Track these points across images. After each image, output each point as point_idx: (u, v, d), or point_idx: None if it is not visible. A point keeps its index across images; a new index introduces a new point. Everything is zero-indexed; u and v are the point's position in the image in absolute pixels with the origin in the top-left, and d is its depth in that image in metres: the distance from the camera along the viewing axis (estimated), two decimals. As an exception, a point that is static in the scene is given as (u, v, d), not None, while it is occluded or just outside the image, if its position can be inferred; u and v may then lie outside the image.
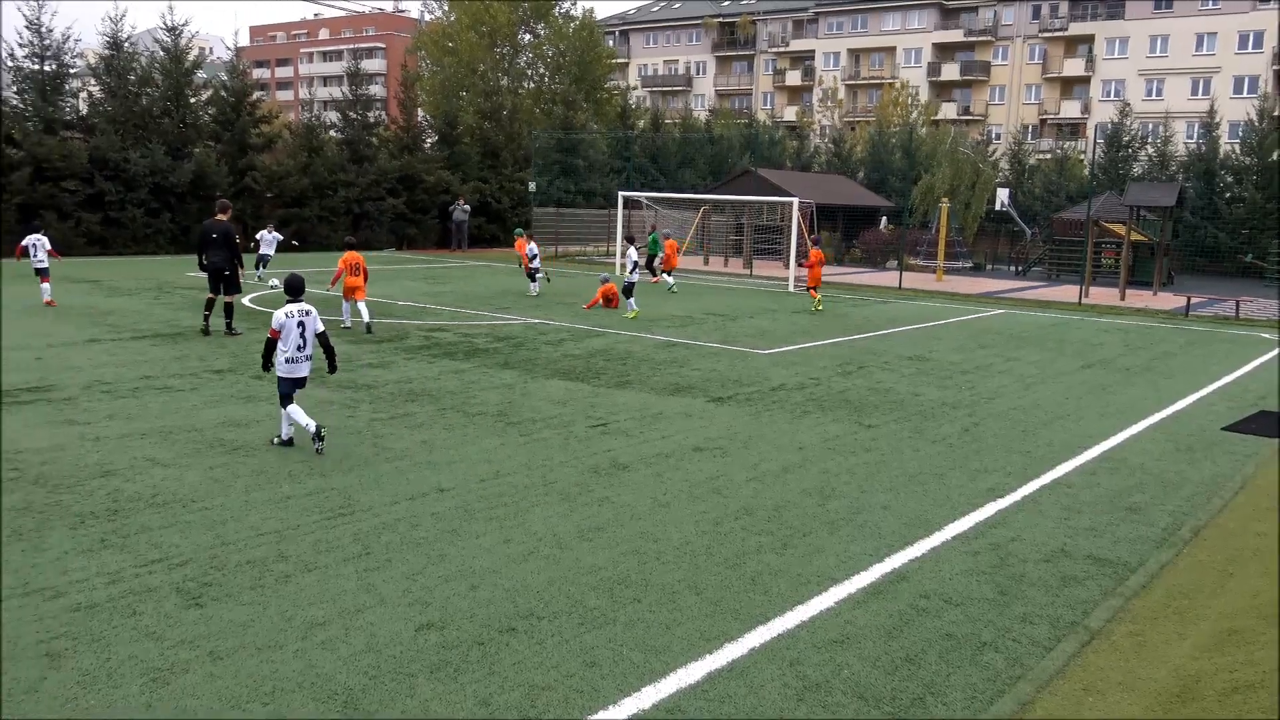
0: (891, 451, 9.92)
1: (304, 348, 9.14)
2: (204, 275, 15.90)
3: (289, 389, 9.15)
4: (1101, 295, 28.76)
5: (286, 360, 9.07)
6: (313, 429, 8.97)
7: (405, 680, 4.94)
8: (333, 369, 9.74)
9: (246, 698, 4.72)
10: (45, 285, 18.73)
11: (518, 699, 4.79)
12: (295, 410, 9.10)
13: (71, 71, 32.62)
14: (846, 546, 7.09)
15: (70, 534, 6.77)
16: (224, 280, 15.71)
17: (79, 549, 6.50)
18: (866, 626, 5.76)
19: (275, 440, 9.27)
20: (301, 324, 9.10)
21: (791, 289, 28.16)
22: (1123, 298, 28.26)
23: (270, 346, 9.04)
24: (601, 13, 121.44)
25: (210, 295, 15.83)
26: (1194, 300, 26.56)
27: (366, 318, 16.72)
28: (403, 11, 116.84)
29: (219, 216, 15.79)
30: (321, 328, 9.30)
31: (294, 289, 9.29)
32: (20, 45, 31.09)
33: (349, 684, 4.88)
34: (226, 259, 15.60)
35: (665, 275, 26.81)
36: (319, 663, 5.08)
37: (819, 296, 23.06)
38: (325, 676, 4.94)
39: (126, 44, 33.34)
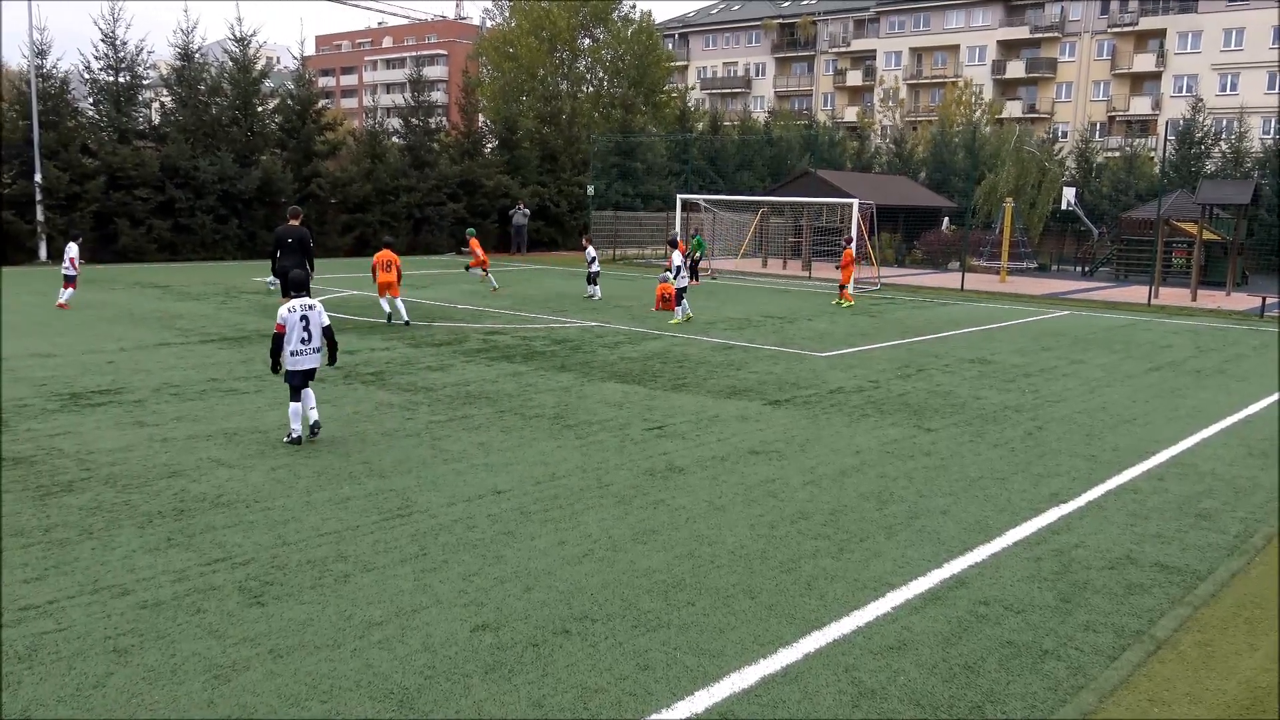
0: (951, 455, 9.77)
1: (309, 341, 9.46)
2: (276, 280, 16.34)
3: (297, 382, 9.49)
4: (1172, 296, 28.04)
5: (291, 354, 9.42)
6: (313, 420, 9.54)
7: (460, 681, 4.98)
8: (332, 361, 10.01)
9: (305, 696, 4.79)
10: (68, 290, 19.00)
11: (571, 701, 4.81)
12: (295, 408, 9.50)
13: (144, 82, 33.55)
14: (904, 551, 6.99)
15: (138, 533, 6.95)
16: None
17: (146, 547, 6.67)
18: (924, 633, 5.68)
19: (286, 439, 9.54)
20: (305, 318, 9.44)
21: (851, 290, 27.86)
22: (1194, 298, 27.52)
23: (277, 342, 9.41)
24: (660, 16, 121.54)
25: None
26: (1269, 300, 25.76)
27: (403, 314, 17.74)
28: (464, 18, 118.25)
29: (291, 222, 16.19)
30: (327, 322, 9.66)
31: (298, 285, 9.76)
32: (96, 58, 32.06)
33: (405, 684, 4.93)
34: (299, 263, 15.99)
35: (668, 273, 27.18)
36: (376, 662, 5.15)
37: (850, 297, 24.43)
38: (382, 676, 5.01)
39: (197, 55, 34.20)
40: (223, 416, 10.54)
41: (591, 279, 23.71)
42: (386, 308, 17.93)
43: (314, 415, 9.60)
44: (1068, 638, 5.69)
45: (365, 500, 7.81)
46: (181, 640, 5.33)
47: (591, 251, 23.93)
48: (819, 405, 12.00)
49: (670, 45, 76.37)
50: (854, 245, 25.77)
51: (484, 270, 25.01)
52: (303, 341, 9.43)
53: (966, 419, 11.47)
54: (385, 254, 17.91)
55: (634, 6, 55.79)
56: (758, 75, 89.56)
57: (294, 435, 9.50)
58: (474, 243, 25.18)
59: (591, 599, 6.02)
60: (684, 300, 19.97)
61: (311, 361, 9.51)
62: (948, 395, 12.87)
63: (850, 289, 24.63)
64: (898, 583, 6.41)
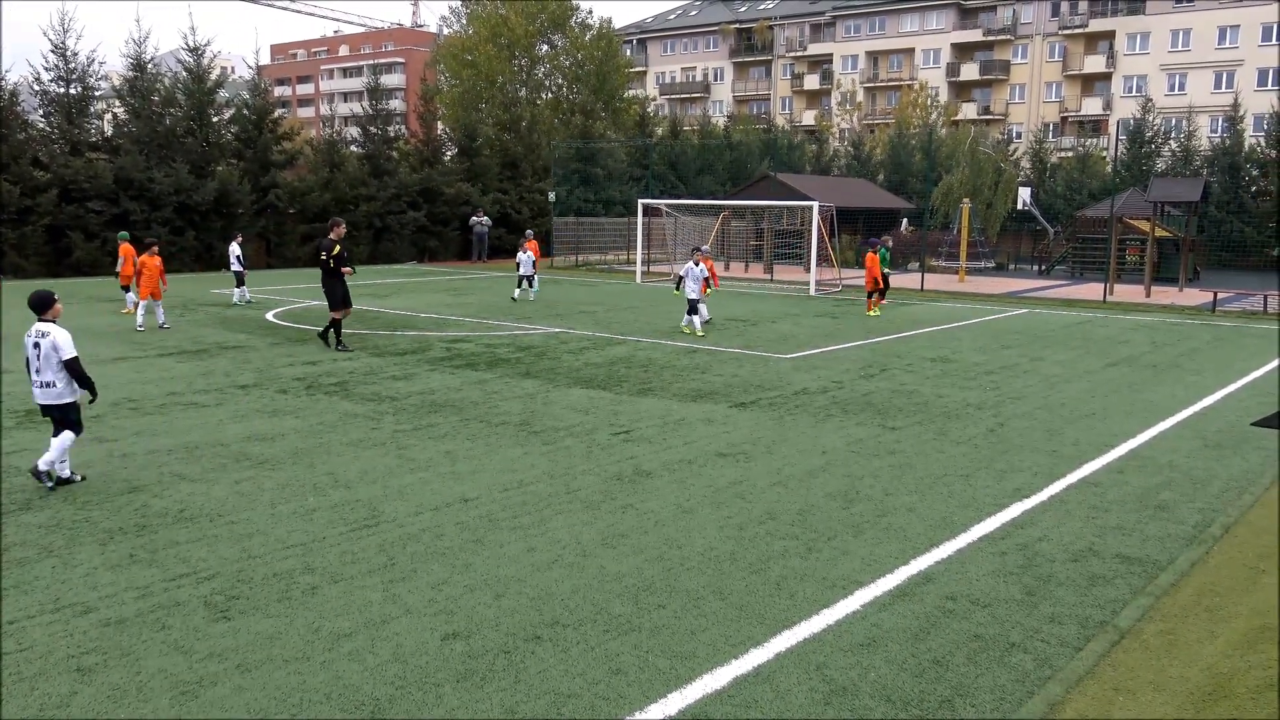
0: (916, 454, 9.87)
1: (40, 372, 8.16)
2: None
3: (45, 414, 8.31)
4: (1126, 293, 28.50)
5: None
6: (40, 467, 8.10)
7: (431, 690, 4.95)
8: (91, 396, 8.42)
9: (274, 710, 4.74)
10: None
11: (544, 707, 4.79)
12: (54, 442, 8.20)
13: (96, 94, 33.07)
14: (872, 549, 7.05)
15: (99, 550, 6.84)
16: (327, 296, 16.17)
17: (108, 564, 6.57)
18: (893, 629, 5.73)
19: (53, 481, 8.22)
20: (38, 344, 8.15)
21: (813, 293, 28.09)
22: (1148, 295, 27.98)
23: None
24: (619, 21, 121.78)
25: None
26: (1220, 295, 26.26)
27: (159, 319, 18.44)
28: (421, 26, 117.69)
29: (331, 235, 16.00)
30: (70, 354, 8.16)
31: (33, 305, 8.33)
32: (46, 69, 31.55)
33: (375, 694, 4.90)
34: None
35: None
36: (346, 674, 5.11)
37: (873, 305, 22.99)
38: (352, 687, 4.96)
39: (150, 65, 33.80)
40: (183, 430, 10.40)
41: (530, 280, 24.31)
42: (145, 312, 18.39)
43: (43, 461, 8.10)
44: (1034, 630, 5.76)
45: (331, 511, 7.74)
46: (146, 657, 5.26)
47: (529, 254, 24.39)
48: (784, 407, 12.07)
49: (629, 51, 76.50)
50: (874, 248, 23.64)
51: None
52: (35, 371, 8.18)
53: (930, 417, 11.58)
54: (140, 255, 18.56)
55: (590, 12, 55.69)
56: (716, 80, 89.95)
57: (61, 475, 8.28)
58: (124, 248, 21.57)
59: (562, 605, 6.01)
60: (701, 310, 18.65)
61: (41, 396, 8.18)
62: (911, 394, 12.99)
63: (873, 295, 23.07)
64: (866, 580, 6.46)
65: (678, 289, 18.44)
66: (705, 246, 20.53)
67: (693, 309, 18.51)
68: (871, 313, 22.68)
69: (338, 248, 15.87)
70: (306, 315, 20.71)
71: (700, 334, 18.34)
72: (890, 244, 26.96)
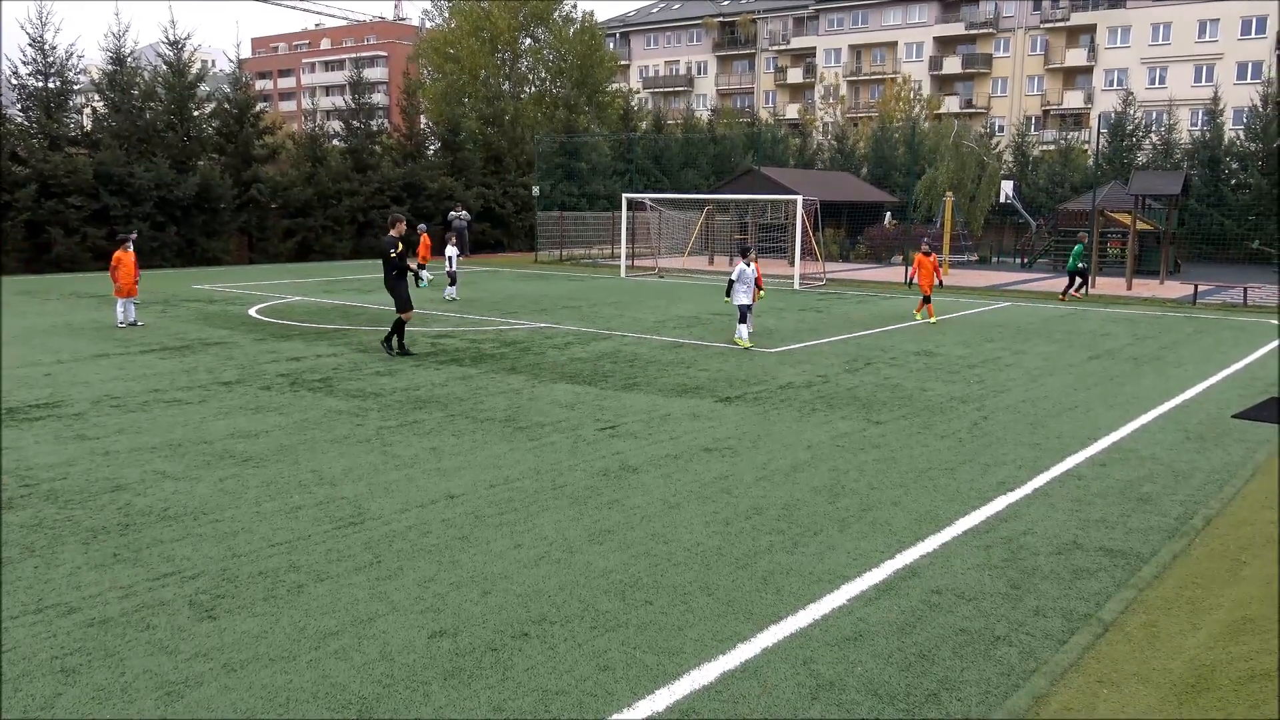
0: (901, 447, 9.90)
1: None
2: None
3: None
4: (1108, 285, 28.67)
5: None
6: None
7: (419, 688, 4.94)
8: None
9: (261, 709, 4.72)
10: None
11: (531, 704, 4.79)
12: None
13: (75, 88, 32.78)
14: (857, 544, 7.07)
15: (82, 549, 6.79)
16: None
17: (91, 564, 6.52)
18: (879, 623, 5.75)
19: None
20: None
21: (797, 287, 28.14)
22: (1129, 287, 28.16)
23: None
24: (601, 15, 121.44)
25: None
26: (1201, 288, 26.47)
27: (130, 316, 18.17)
28: (404, 19, 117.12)
29: (391, 232, 15.10)
30: None
31: None
32: (24, 63, 31.25)
33: (363, 693, 4.89)
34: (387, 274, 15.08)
35: (421, 270, 26.39)
36: (333, 672, 5.09)
37: (929, 309, 20.87)
38: (339, 686, 4.95)
39: (129, 59, 33.51)
40: (166, 428, 10.33)
41: (453, 278, 23.81)
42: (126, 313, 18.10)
43: None
44: (1018, 623, 5.79)
45: (316, 509, 7.71)
46: (131, 657, 5.23)
47: (454, 249, 24.35)
48: (769, 401, 12.09)
49: (612, 45, 76.31)
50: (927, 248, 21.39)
51: None
52: None
53: (914, 411, 11.62)
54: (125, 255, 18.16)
55: (574, 6, 55.55)
56: (700, 74, 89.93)
57: None
58: None
59: (549, 601, 6.01)
60: (748, 319, 16.44)
61: None
62: (895, 388, 13.04)
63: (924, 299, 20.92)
64: (852, 575, 6.48)
65: (728, 295, 16.37)
66: (749, 245, 17.50)
67: (743, 316, 16.26)
68: (929, 319, 20.53)
69: (400, 245, 14.91)
70: (289, 311, 20.60)
71: (747, 344, 16.20)
72: (1085, 239, 25.72)
